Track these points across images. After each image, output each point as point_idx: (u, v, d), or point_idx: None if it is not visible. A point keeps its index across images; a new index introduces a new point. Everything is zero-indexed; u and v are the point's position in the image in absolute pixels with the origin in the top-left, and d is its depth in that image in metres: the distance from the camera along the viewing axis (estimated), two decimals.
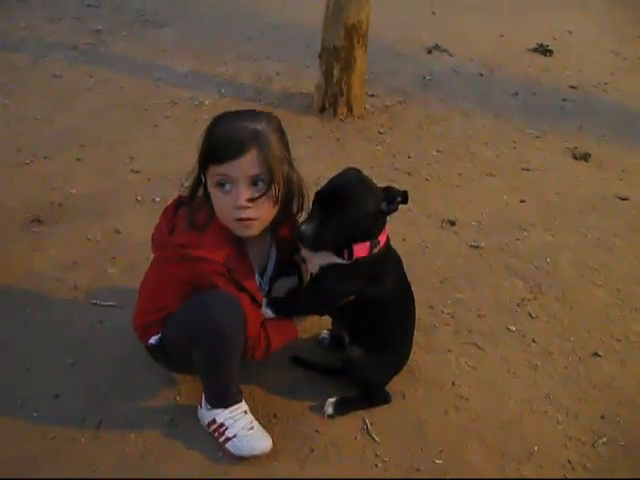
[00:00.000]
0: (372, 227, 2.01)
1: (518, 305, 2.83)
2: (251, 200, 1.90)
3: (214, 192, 1.94)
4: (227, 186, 1.90)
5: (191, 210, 2.00)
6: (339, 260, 2.00)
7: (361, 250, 2.00)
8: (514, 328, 2.70)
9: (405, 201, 1.99)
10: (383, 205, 1.98)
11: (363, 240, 2.00)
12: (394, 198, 1.98)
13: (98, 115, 4.17)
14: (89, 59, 4.88)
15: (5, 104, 4.24)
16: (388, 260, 2.15)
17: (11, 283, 2.76)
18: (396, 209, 2.00)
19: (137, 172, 3.59)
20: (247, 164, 1.87)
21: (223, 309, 1.92)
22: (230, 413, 2.11)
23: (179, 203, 2.11)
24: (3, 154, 3.69)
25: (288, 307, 2.13)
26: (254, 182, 1.90)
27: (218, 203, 1.94)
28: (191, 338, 1.97)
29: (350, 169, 2.04)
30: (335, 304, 2.13)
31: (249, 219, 1.93)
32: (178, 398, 2.29)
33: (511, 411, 2.34)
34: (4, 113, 4.13)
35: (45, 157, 3.70)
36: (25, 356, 2.43)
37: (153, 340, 2.11)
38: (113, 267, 2.87)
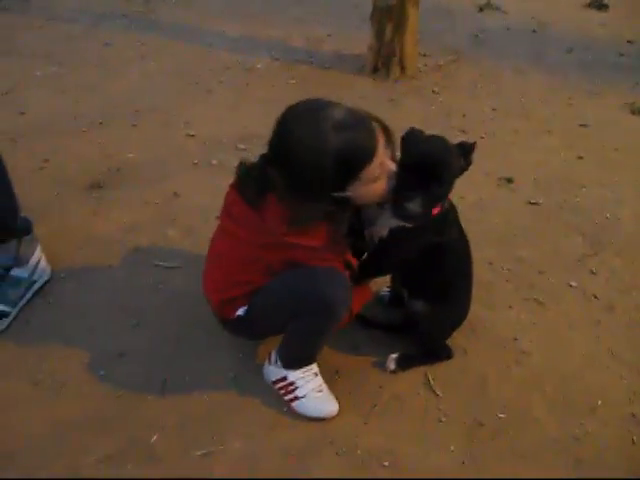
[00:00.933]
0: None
1: (579, 261, 2.80)
2: None
3: (369, 189, 1.86)
4: (380, 174, 1.84)
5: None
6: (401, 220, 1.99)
7: (434, 209, 1.99)
8: (575, 284, 2.68)
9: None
10: (462, 162, 1.95)
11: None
12: (469, 153, 1.96)
13: (151, 82, 4.22)
14: (140, 27, 4.92)
15: (59, 73, 4.30)
16: (451, 212, 2.15)
17: (74, 246, 2.82)
18: (471, 163, 1.98)
19: (193, 136, 3.63)
20: (380, 144, 1.82)
21: (335, 285, 1.92)
22: (303, 373, 2.14)
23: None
24: (60, 122, 3.75)
25: (363, 274, 2.14)
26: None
27: (377, 191, 1.88)
28: (295, 310, 1.96)
29: (416, 132, 1.99)
30: (406, 263, 2.14)
31: None
32: (241, 355, 2.33)
33: (574, 366, 2.34)
34: (59, 82, 4.20)
35: (101, 123, 3.76)
36: (89, 317, 2.49)
37: (241, 312, 2.06)
38: (173, 229, 2.91)
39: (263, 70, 4.36)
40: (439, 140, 1.94)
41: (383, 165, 1.84)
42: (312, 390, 2.13)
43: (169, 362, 2.32)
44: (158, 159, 3.43)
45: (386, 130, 1.88)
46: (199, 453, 2.03)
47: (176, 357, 2.34)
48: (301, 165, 1.76)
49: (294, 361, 2.14)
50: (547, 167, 3.40)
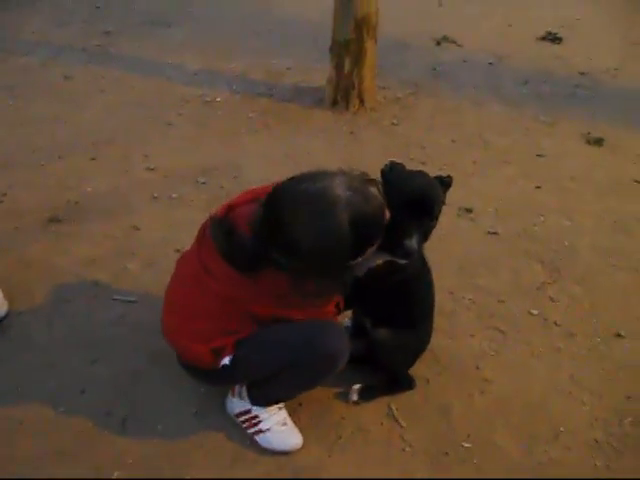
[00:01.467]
0: None
1: (538, 289, 2.84)
2: None
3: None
4: None
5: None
6: (392, 257, 1.99)
7: None
8: (535, 312, 2.71)
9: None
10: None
11: None
12: (447, 186, 2.01)
13: (110, 115, 4.19)
14: (99, 60, 4.90)
15: (17, 106, 4.26)
16: None
17: (32, 282, 2.77)
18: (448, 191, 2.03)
19: (152, 170, 3.60)
20: None
21: (334, 337, 1.94)
22: (268, 411, 2.12)
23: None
24: (19, 156, 3.71)
25: (347, 307, 2.19)
26: None
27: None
28: (292, 362, 1.93)
29: (398, 166, 2.02)
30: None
31: None
32: (202, 390, 2.30)
33: (536, 393, 2.35)
34: (17, 115, 4.15)
35: (60, 157, 3.71)
36: (49, 353, 2.45)
37: (227, 361, 1.95)
38: (132, 263, 2.88)
39: (223, 103, 4.37)
40: (424, 176, 1.98)
41: None
42: (276, 423, 2.11)
43: (130, 397, 2.29)
44: (117, 192, 3.39)
45: (370, 179, 1.83)
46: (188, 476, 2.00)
47: (137, 392, 2.31)
48: (319, 256, 1.69)
49: (266, 401, 2.11)
50: (506, 197, 3.45)
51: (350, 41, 4.06)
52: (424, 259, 2.27)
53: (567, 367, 2.46)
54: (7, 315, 2.59)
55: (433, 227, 1.97)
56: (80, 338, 2.52)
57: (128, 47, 5.14)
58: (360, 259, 1.77)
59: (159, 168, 3.63)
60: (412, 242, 1.87)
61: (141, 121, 4.14)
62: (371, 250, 1.79)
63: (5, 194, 3.36)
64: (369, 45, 4.10)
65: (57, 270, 2.85)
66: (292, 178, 1.74)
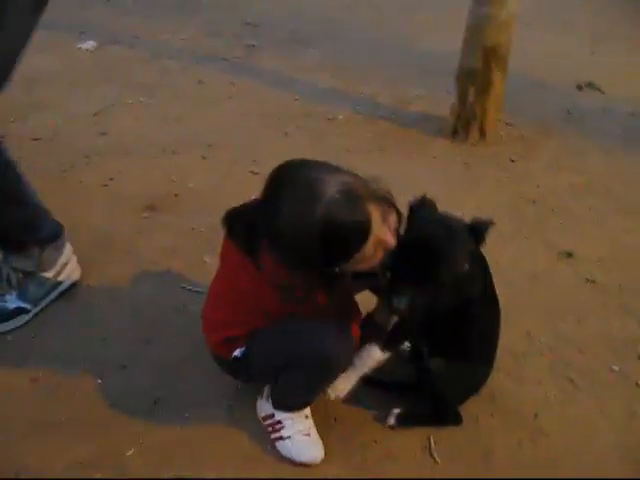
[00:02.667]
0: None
1: (626, 345, 2.57)
2: None
3: (364, 264, 1.74)
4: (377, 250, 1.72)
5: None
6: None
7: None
8: (617, 368, 2.45)
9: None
10: (472, 246, 1.81)
11: None
12: (481, 234, 1.80)
13: (233, 120, 4.28)
14: (235, 70, 5.04)
15: (149, 103, 4.44)
16: (475, 271, 2.00)
17: (111, 260, 2.87)
18: (485, 241, 1.82)
19: (257, 174, 3.62)
20: (376, 223, 1.68)
21: (336, 341, 1.85)
22: (292, 413, 2.04)
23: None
24: (136, 147, 3.86)
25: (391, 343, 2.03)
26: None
27: (371, 264, 1.75)
28: (290, 360, 1.90)
29: (426, 206, 1.85)
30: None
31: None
32: (239, 386, 2.25)
33: (595, 455, 2.11)
34: (146, 111, 4.33)
35: (173, 152, 3.83)
36: (105, 327, 2.52)
37: (238, 353, 1.98)
38: (210, 257, 2.88)
39: (343, 121, 4.35)
40: (447, 225, 1.79)
41: (379, 242, 1.70)
42: (298, 432, 2.02)
43: (168, 382, 2.29)
44: (217, 190, 3.44)
45: (388, 201, 1.77)
46: (167, 476, 1.95)
47: (177, 378, 2.31)
48: (287, 242, 1.65)
49: (283, 405, 2.04)
50: (615, 247, 3.18)
51: (476, 71, 3.92)
52: (488, 290, 2.10)
53: (639, 433, 2.19)
54: (77, 283, 2.68)
55: (441, 293, 1.78)
56: (139, 319, 2.57)
57: (266, 61, 5.26)
58: (337, 270, 1.70)
59: (263, 172, 3.61)
60: (400, 303, 1.73)
61: (259, 129, 4.19)
62: (346, 265, 1.69)
63: (112, 179, 3.51)
64: (496, 76, 3.95)
65: (137, 254, 2.93)
66: (302, 160, 1.71)
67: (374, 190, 1.71)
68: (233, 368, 2.07)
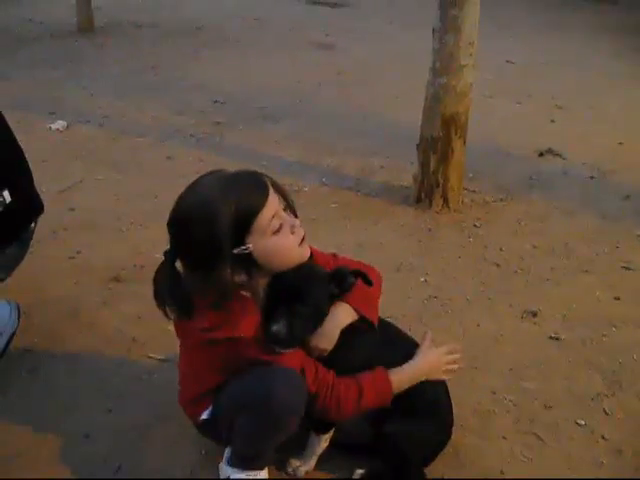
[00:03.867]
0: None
1: (592, 400, 2.58)
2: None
3: (271, 243, 1.84)
4: (281, 226, 1.85)
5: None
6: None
7: None
8: (583, 422, 2.45)
9: (360, 278, 1.99)
10: (332, 288, 1.96)
11: None
12: (343, 278, 1.97)
13: None
14: (203, 146, 5.14)
15: (118, 179, 4.51)
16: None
17: (75, 331, 2.88)
18: (348, 289, 1.98)
19: None
20: (273, 196, 1.86)
21: (287, 387, 1.84)
22: (246, 476, 2.01)
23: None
24: (103, 221, 3.90)
25: None
26: (284, 208, 1.90)
27: (281, 245, 1.86)
28: (241, 404, 1.89)
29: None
30: None
31: (304, 237, 1.92)
32: (203, 452, 2.23)
33: None
34: (115, 187, 4.39)
35: (141, 225, 3.87)
36: (68, 397, 2.51)
37: (205, 415, 2.02)
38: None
39: (309, 193, 4.42)
40: (304, 266, 1.94)
41: (279, 216, 1.83)
42: None
43: (131, 449, 2.28)
44: None
45: (283, 192, 1.93)
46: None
47: (139, 445, 2.31)
48: (195, 227, 1.81)
49: (239, 460, 2.01)
50: (578, 305, 3.21)
51: (436, 139, 4.04)
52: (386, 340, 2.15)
53: None
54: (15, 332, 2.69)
55: (312, 314, 1.90)
56: (103, 388, 2.58)
57: (233, 137, 5.36)
58: (250, 246, 1.82)
59: None
60: (279, 327, 1.82)
61: None
62: (258, 238, 1.83)
63: (80, 252, 3.54)
64: (457, 144, 4.06)
65: (101, 323, 2.95)
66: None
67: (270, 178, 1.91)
68: (205, 431, 2.09)
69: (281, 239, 1.85)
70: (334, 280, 1.96)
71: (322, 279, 1.94)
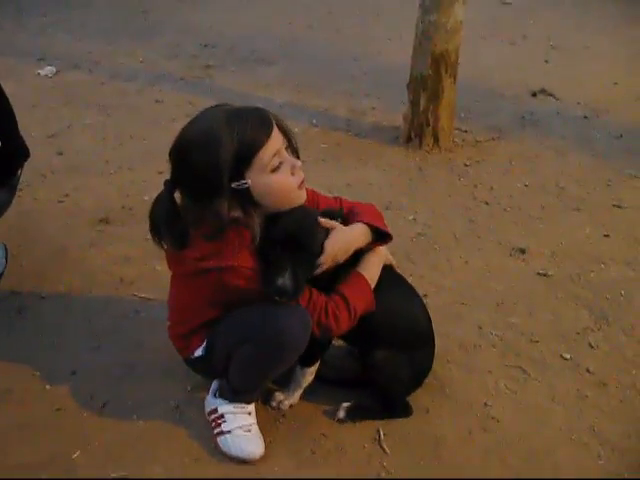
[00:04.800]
0: None
1: (578, 334, 2.59)
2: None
3: (270, 181, 1.80)
4: (281, 164, 1.81)
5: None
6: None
7: None
8: (568, 356, 2.47)
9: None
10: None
11: None
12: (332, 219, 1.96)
13: None
14: (193, 89, 5.07)
15: (106, 123, 4.45)
16: None
17: (64, 271, 2.87)
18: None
19: None
20: (277, 133, 1.81)
21: (293, 320, 1.84)
22: (234, 407, 2.03)
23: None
24: (91, 165, 3.86)
25: None
26: (285, 148, 1.87)
27: (280, 184, 1.82)
28: (243, 336, 1.88)
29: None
30: None
31: (303, 180, 1.89)
32: (189, 388, 2.25)
33: (546, 439, 2.12)
34: (102, 131, 4.33)
35: (129, 169, 3.83)
36: (55, 334, 2.52)
37: (200, 352, 2.01)
38: (162, 265, 2.86)
39: (300, 134, 4.35)
40: (299, 208, 1.90)
41: (281, 154, 1.80)
42: (239, 427, 2.00)
43: (117, 385, 2.29)
44: None
45: (287, 132, 1.88)
46: (115, 475, 1.93)
47: (125, 381, 2.31)
48: (196, 154, 1.75)
49: (229, 391, 2.02)
50: (567, 242, 3.21)
51: (426, 77, 3.97)
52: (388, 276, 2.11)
53: (589, 417, 2.20)
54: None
55: (317, 259, 1.88)
56: (90, 326, 2.58)
57: (223, 80, 5.29)
58: (249, 180, 1.79)
59: None
60: (284, 280, 1.79)
61: None
62: (258, 173, 1.79)
63: (67, 195, 3.51)
64: (447, 83, 4.00)
65: (89, 264, 2.94)
66: None
67: (275, 115, 1.86)
68: (197, 366, 2.09)
69: (280, 178, 1.81)
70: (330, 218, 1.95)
71: (318, 223, 1.91)
